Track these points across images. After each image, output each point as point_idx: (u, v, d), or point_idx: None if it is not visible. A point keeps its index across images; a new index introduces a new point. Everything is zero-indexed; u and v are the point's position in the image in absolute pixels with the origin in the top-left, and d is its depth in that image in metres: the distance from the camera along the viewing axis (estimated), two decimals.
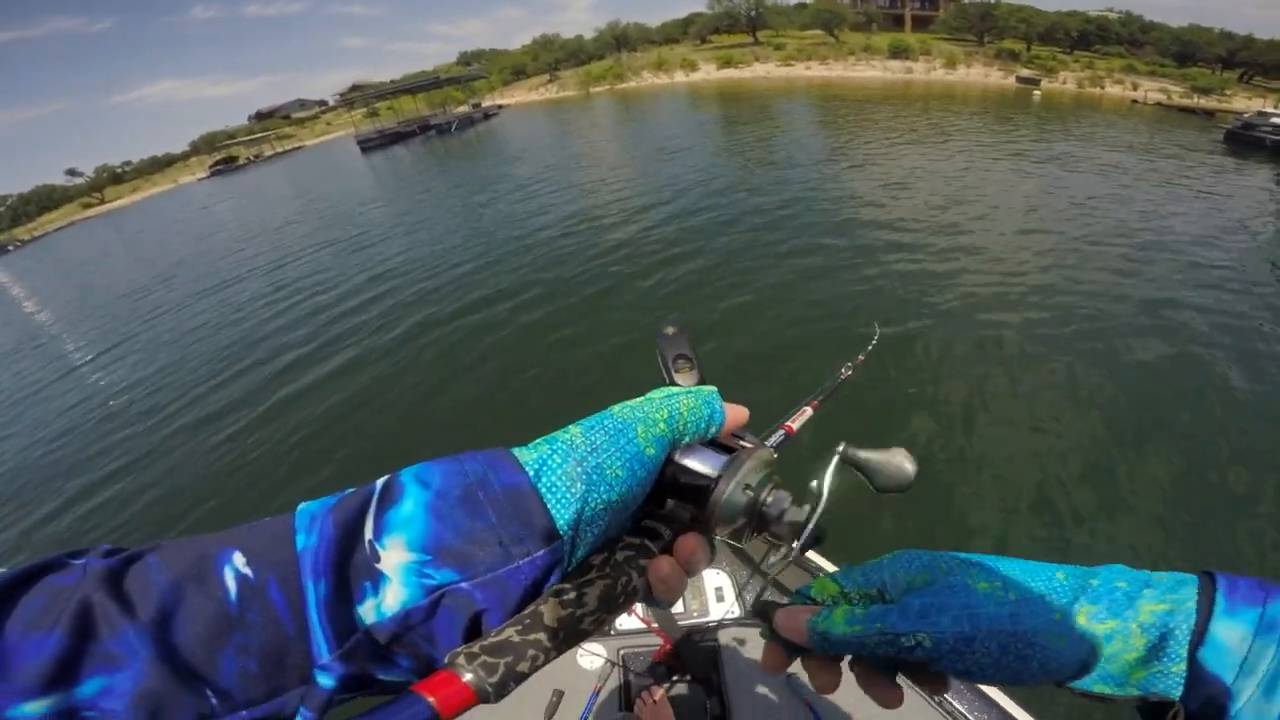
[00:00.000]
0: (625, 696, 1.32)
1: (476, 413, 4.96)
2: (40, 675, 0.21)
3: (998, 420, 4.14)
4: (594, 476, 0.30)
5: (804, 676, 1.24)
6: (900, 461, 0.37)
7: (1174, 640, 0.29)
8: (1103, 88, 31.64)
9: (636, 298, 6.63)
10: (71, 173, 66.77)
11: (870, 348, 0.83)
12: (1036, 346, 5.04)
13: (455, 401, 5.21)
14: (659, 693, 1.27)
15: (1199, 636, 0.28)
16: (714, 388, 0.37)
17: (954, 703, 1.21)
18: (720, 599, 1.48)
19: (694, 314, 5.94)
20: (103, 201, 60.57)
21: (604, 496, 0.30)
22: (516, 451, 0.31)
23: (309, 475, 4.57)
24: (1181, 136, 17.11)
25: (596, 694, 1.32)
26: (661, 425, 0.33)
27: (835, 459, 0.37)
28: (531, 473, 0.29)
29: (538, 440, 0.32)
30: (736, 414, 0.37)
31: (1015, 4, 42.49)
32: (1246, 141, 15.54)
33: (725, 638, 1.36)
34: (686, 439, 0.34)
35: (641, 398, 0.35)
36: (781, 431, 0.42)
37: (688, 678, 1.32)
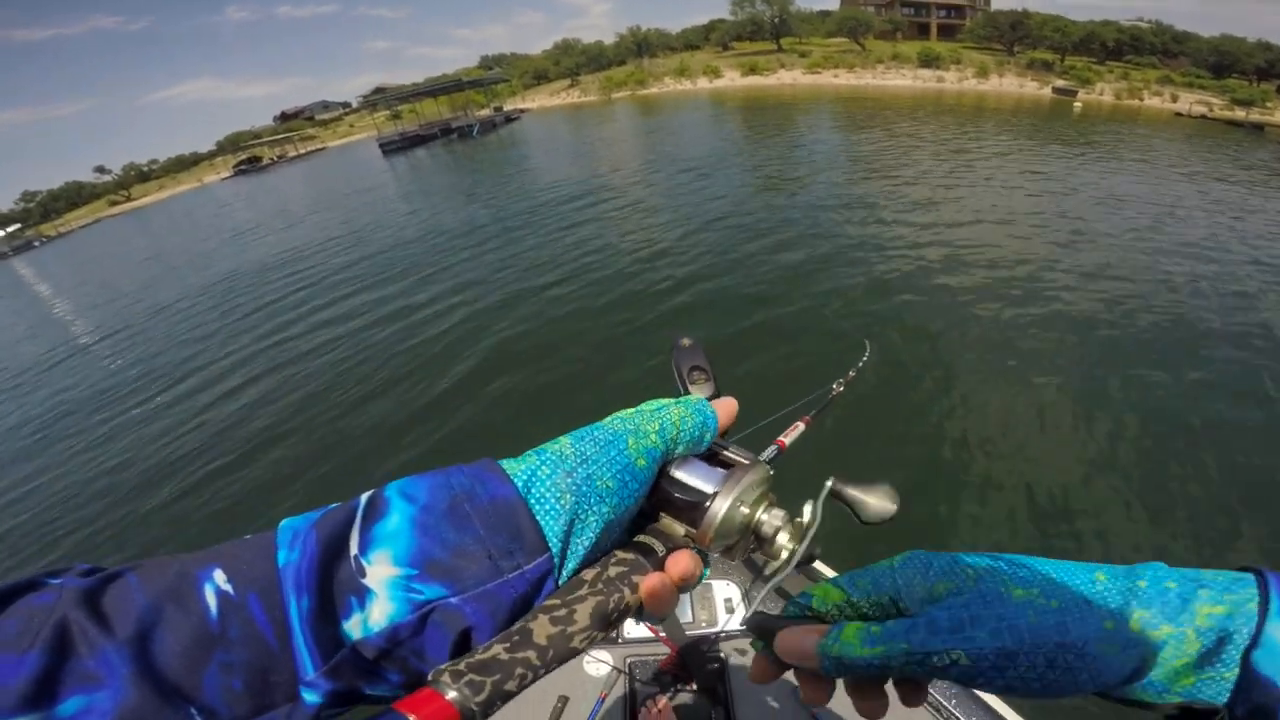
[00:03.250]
0: (630, 704, 1.32)
1: (477, 422, 4.77)
2: (18, 695, 0.21)
3: (1006, 433, 3.97)
4: (584, 488, 0.29)
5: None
6: (883, 500, 0.37)
7: (1232, 644, 0.27)
8: (1141, 99, 30.64)
9: (635, 308, 6.41)
10: (100, 170, 68.23)
11: (862, 364, 0.84)
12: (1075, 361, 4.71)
13: (454, 408, 4.97)
14: (663, 702, 1.27)
15: (1254, 639, 0.27)
16: (702, 396, 0.37)
17: (950, 706, 1.23)
18: (730, 610, 1.47)
19: (691, 325, 5.73)
20: (129, 199, 61.82)
21: (595, 508, 0.30)
22: (504, 463, 0.30)
23: (285, 488, 4.41)
24: (1241, 153, 16.18)
25: (601, 701, 1.32)
26: (653, 436, 0.33)
27: (828, 486, 0.37)
28: (520, 484, 0.29)
29: (527, 452, 0.31)
30: (727, 409, 0.36)
31: (1047, 14, 41.51)
32: None
33: (732, 648, 1.37)
34: (680, 449, 0.34)
35: (633, 409, 0.35)
36: (774, 447, 0.41)
37: (693, 687, 1.31)
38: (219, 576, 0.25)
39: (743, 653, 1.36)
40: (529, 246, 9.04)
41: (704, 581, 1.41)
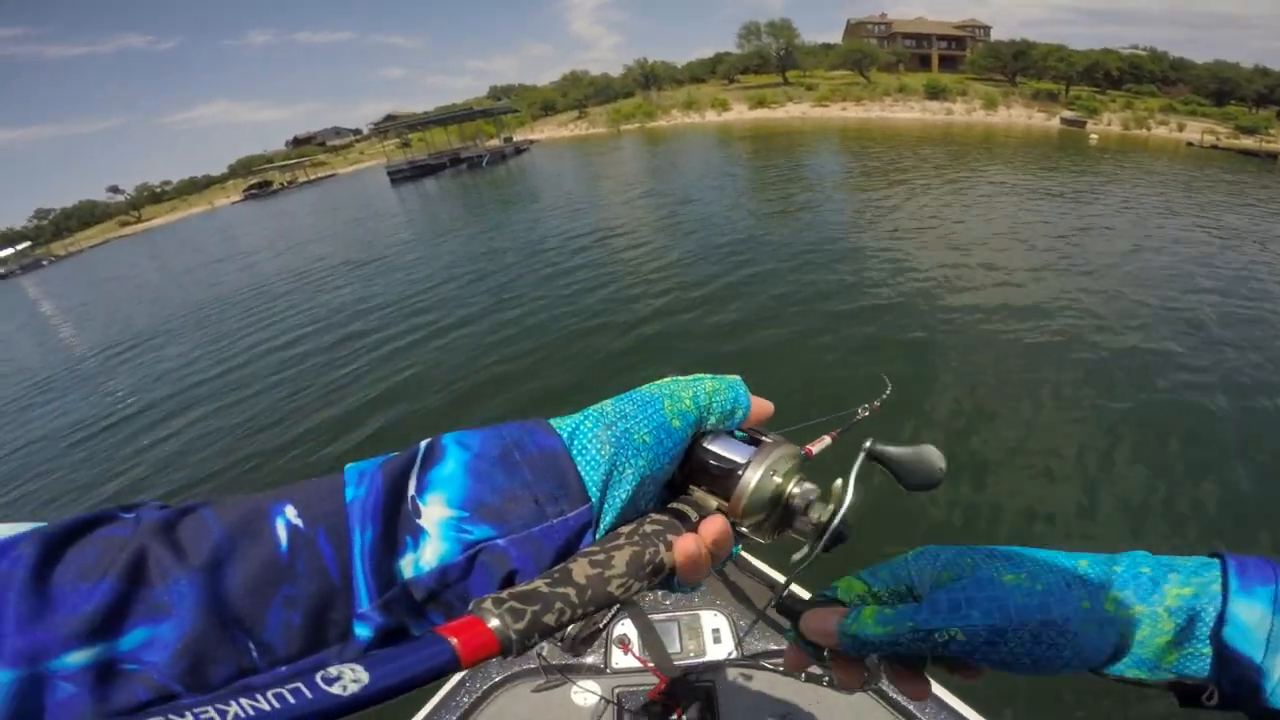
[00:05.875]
0: None
1: None
2: (85, 623, 0.21)
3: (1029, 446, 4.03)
4: (622, 440, 0.31)
5: (801, 715, 1.29)
6: (930, 459, 0.36)
7: (1201, 622, 0.29)
8: (1148, 129, 30.72)
9: (652, 342, 6.18)
10: (114, 190, 68.88)
11: (884, 396, 0.86)
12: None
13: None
14: None
15: (1220, 618, 0.29)
16: (739, 377, 0.37)
17: (918, 714, 1.27)
18: (718, 640, 1.48)
19: (711, 356, 5.73)
20: (140, 220, 62.07)
21: (631, 461, 0.31)
22: (552, 420, 0.32)
23: None
24: (1271, 184, 15.87)
25: None
26: (687, 401, 0.33)
27: (861, 456, 0.36)
28: (565, 435, 0.31)
29: (572, 413, 0.33)
30: (762, 406, 0.37)
31: (1050, 44, 42.08)
32: None
33: (722, 679, 1.37)
34: (712, 419, 0.35)
35: (670, 378, 0.36)
36: (801, 452, 0.40)
37: (682, 717, 1.31)
38: (290, 511, 0.26)
39: (735, 683, 1.37)
40: (532, 284, 8.62)
41: (692, 612, 1.49)
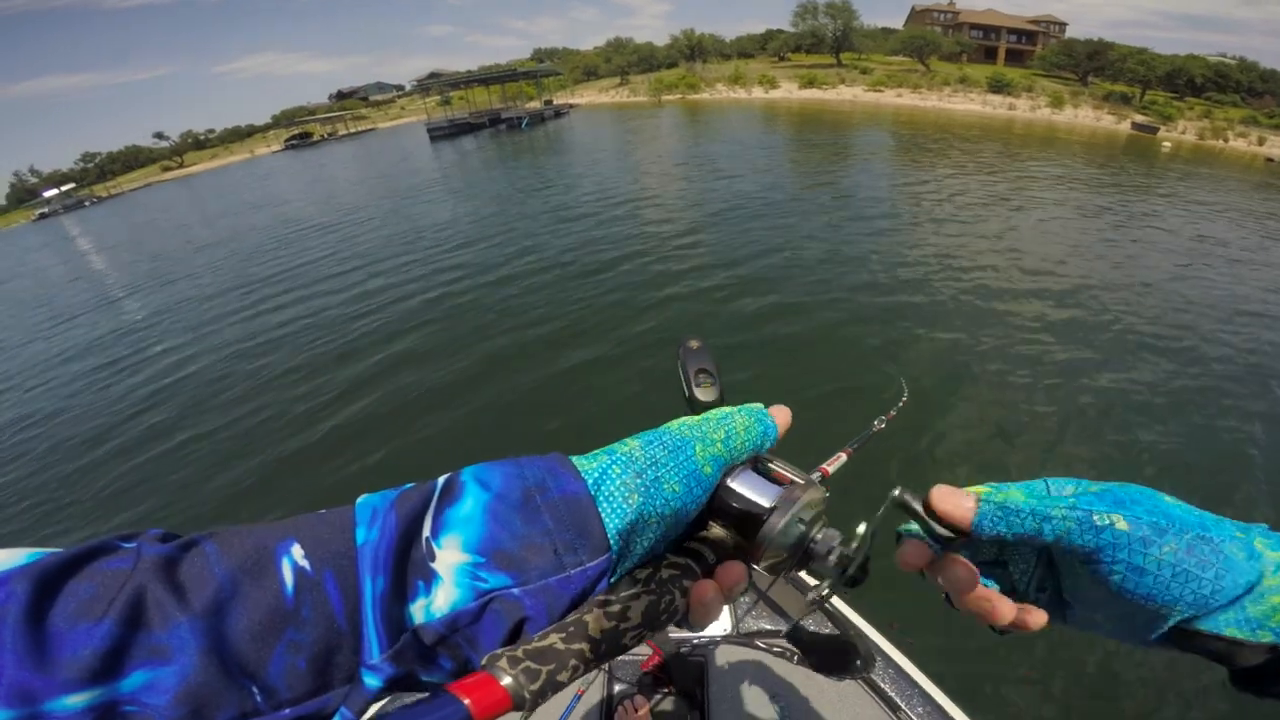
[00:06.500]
0: (607, 704, 1.32)
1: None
2: (85, 667, 0.20)
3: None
4: (651, 490, 0.29)
5: (789, 698, 1.28)
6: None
7: None
8: (1225, 140, 28.60)
9: (671, 307, 6.05)
10: (159, 136, 70.55)
11: (900, 405, 0.87)
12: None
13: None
14: (643, 706, 1.26)
15: None
16: (761, 404, 0.36)
17: (903, 704, 1.24)
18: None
19: (729, 327, 5.57)
20: (181, 166, 63.49)
21: (658, 511, 0.29)
22: (575, 460, 0.30)
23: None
24: None
25: (579, 697, 1.30)
26: (719, 445, 0.32)
27: (887, 503, 0.35)
28: (590, 481, 0.29)
29: (597, 451, 0.32)
30: (783, 419, 0.37)
31: (1130, 46, 39.34)
32: None
33: (715, 655, 1.37)
34: (742, 458, 0.34)
35: (697, 417, 0.35)
36: (817, 473, 0.41)
37: (672, 691, 1.31)
38: (297, 552, 0.25)
39: (728, 661, 1.37)
40: (558, 245, 8.42)
41: None
